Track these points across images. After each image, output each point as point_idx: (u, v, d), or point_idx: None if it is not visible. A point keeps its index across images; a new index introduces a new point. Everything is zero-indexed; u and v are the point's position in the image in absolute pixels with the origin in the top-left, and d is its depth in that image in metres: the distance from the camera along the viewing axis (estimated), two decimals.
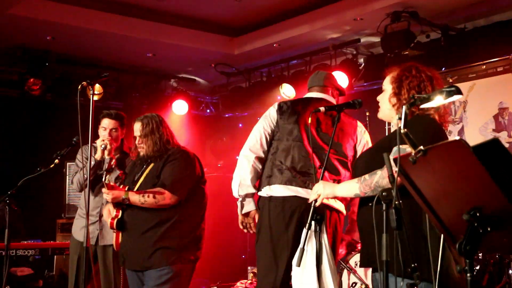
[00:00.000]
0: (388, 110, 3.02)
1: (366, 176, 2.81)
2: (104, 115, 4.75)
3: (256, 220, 3.93)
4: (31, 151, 7.59)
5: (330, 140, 3.31)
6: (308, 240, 2.93)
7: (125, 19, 7.02)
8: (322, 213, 3.06)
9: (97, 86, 3.78)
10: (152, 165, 4.24)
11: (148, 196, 4.07)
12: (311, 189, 3.70)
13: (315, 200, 3.00)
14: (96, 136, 4.61)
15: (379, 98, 3.09)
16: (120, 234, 4.17)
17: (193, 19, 7.35)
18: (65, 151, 4.44)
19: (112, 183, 4.12)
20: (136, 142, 4.26)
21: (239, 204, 4.05)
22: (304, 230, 2.94)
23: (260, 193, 3.91)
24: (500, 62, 6.14)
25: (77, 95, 3.63)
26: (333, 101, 3.98)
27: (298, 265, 2.92)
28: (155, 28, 7.22)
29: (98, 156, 4.51)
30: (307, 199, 3.71)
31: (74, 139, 4.39)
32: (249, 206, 3.98)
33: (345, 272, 5.70)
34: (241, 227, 4.08)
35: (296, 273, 2.99)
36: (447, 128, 3.01)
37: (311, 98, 4.01)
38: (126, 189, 4.15)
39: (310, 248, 2.93)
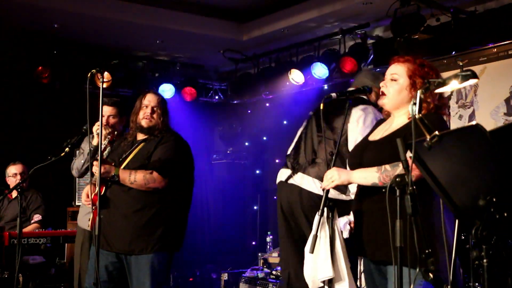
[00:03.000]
0: (402, 102, 3.00)
1: (388, 166, 2.79)
2: (101, 102, 4.75)
3: None
4: (41, 139, 7.61)
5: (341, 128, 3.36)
6: (321, 226, 2.92)
7: (133, 6, 6.99)
8: (335, 199, 3.06)
9: (105, 73, 3.72)
10: (142, 144, 4.14)
11: (138, 176, 3.95)
12: (290, 168, 3.89)
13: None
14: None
15: (389, 86, 3.05)
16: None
17: (201, 5, 7.32)
18: (75, 140, 4.42)
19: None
20: (147, 111, 4.16)
21: None
22: (317, 217, 2.94)
23: None
24: (511, 45, 6.08)
25: (87, 82, 3.59)
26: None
27: (312, 251, 2.91)
28: (164, 14, 7.20)
29: (94, 142, 4.45)
30: (284, 181, 3.98)
31: (84, 127, 4.38)
32: None
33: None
34: None
35: (309, 260, 2.98)
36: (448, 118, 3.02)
37: None
38: (113, 165, 4.01)
39: (323, 235, 2.92)
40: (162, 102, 4.25)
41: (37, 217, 6.59)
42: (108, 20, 7.02)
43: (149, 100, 4.21)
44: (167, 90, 8.33)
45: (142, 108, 4.20)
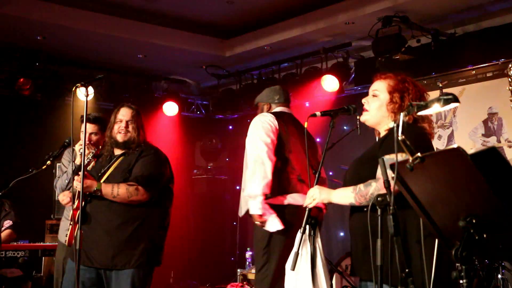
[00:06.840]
0: (382, 118, 3.05)
1: (361, 186, 2.82)
2: (83, 119, 4.71)
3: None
4: (21, 151, 7.55)
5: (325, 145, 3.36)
6: (303, 244, 2.95)
7: (117, 20, 7.01)
8: (316, 217, 3.08)
9: (89, 87, 3.69)
10: (121, 158, 4.10)
11: (121, 189, 3.91)
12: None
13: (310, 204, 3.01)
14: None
15: (370, 102, 3.10)
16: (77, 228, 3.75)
17: (185, 20, 7.35)
18: (58, 152, 4.38)
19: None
20: (122, 125, 4.11)
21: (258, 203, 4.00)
22: (299, 234, 2.96)
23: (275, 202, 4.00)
24: (489, 68, 6.19)
25: (71, 96, 3.59)
26: None
27: (293, 269, 2.93)
28: (147, 29, 7.22)
29: (78, 161, 4.34)
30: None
31: (67, 140, 4.35)
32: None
33: (335, 275, 5.72)
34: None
35: (290, 277, 3.00)
36: (433, 136, 3.05)
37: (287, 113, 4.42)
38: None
39: (304, 252, 2.94)
40: (136, 115, 4.20)
41: (7, 223, 6.46)
42: (91, 34, 7.02)
43: (123, 114, 4.16)
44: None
45: (116, 123, 4.16)
